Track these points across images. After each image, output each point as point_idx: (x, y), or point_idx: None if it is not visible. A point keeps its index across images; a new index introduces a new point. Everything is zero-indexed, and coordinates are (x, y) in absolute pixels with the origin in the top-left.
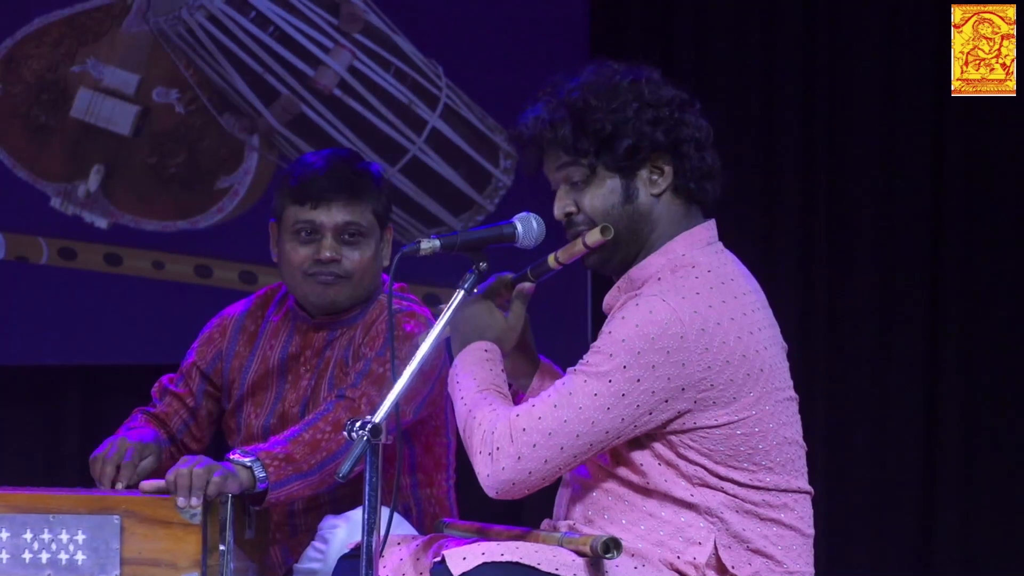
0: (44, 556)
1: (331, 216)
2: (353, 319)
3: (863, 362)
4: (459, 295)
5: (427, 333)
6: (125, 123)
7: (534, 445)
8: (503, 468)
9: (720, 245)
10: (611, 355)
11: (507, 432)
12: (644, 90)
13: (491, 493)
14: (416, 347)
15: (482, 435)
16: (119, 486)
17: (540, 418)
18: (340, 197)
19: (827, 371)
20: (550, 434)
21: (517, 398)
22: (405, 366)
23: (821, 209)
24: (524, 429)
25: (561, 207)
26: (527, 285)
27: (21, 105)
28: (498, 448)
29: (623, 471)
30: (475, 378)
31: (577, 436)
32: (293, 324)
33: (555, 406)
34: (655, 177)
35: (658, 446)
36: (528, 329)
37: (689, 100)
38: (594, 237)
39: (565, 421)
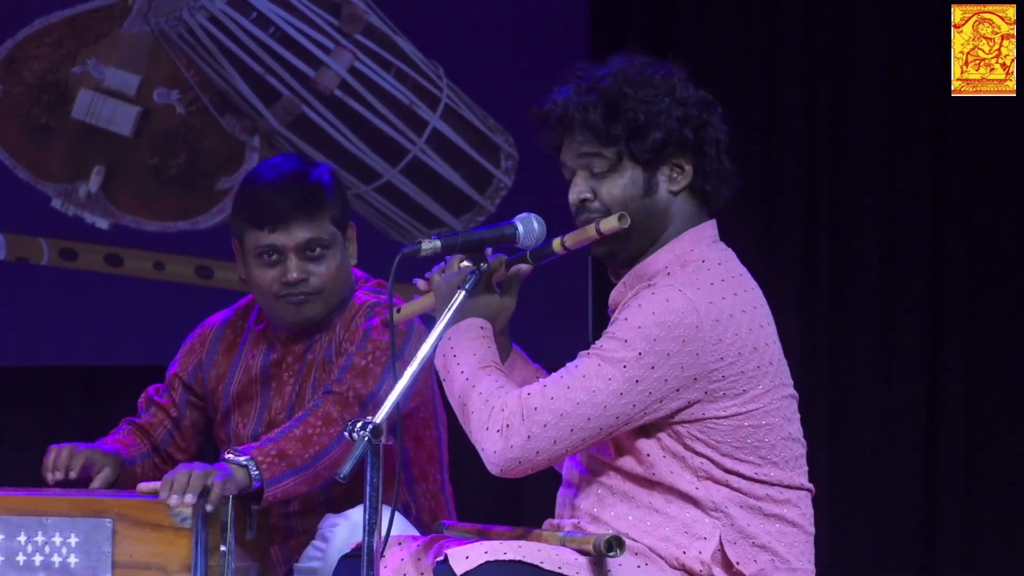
0: (38, 559)
1: (292, 236)
2: (331, 321)
3: (865, 362)
4: (460, 296)
5: (406, 326)
6: (126, 124)
7: (545, 425)
8: (512, 446)
9: (723, 243)
10: (626, 341)
11: (518, 410)
12: (676, 87)
13: (495, 471)
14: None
15: (490, 411)
16: (72, 475)
17: (553, 398)
18: (298, 216)
19: (829, 371)
20: (562, 415)
21: None
22: (380, 350)
23: (822, 209)
24: (536, 408)
25: (578, 193)
26: (524, 267)
27: (22, 106)
28: (508, 425)
29: (629, 464)
30: (475, 353)
31: (588, 419)
32: (273, 333)
33: (568, 387)
34: (675, 175)
35: (664, 437)
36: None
37: (713, 103)
38: (610, 224)
39: (578, 403)
